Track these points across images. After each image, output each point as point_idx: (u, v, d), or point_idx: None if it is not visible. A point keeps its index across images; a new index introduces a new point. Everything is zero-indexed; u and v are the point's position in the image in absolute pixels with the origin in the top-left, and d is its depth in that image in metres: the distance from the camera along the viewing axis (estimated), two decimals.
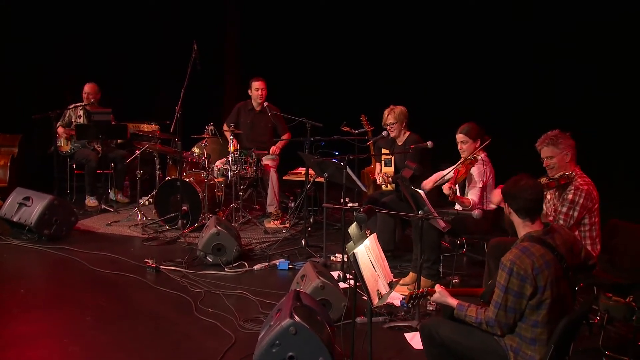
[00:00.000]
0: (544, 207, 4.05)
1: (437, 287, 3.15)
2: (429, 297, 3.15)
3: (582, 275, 3.05)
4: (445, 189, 4.62)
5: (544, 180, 3.95)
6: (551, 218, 4.00)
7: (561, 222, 3.91)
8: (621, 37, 6.70)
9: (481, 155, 4.78)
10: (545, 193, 4.00)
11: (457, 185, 4.62)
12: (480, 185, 4.75)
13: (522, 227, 2.98)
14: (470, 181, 4.80)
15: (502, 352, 2.90)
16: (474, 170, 4.76)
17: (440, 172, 5.07)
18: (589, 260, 3.18)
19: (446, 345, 3.01)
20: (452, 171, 4.72)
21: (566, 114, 6.74)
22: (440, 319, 3.23)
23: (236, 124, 6.92)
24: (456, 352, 3.01)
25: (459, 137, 4.84)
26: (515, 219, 2.99)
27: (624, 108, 6.72)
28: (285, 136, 7.00)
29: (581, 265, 3.03)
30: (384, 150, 5.69)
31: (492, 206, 4.75)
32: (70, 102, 7.43)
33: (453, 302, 3.05)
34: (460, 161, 4.79)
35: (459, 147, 4.87)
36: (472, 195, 4.76)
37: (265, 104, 6.81)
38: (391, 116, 5.58)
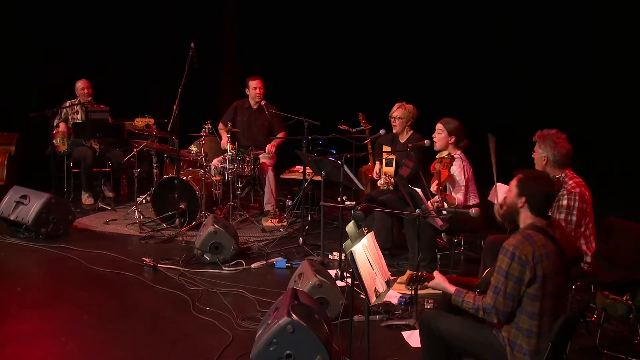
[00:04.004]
0: None
1: (436, 273, 3.16)
2: (426, 282, 3.15)
3: (573, 269, 3.03)
4: (434, 188, 4.68)
5: None
6: None
7: None
8: (620, 32, 6.71)
9: (457, 153, 4.94)
10: None
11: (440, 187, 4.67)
12: (463, 184, 4.85)
13: (529, 220, 2.97)
14: (454, 183, 4.87)
15: (500, 347, 2.90)
16: (455, 170, 4.87)
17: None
18: (577, 253, 3.18)
19: (445, 339, 3.01)
20: (435, 173, 4.78)
21: (565, 112, 6.75)
22: (440, 312, 3.23)
23: (233, 122, 6.92)
24: (454, 346, 3.01)
25: (438, 125, 5.02)
26: (524, 212, 2.96)
27: (620, 106, 6.73)
28: (280, 135, 6.99)
29: (574, 262, 3.04)
30: (385, 148, 5.69)
31: (476, 200, 4.88)
32: (66, 100, 7.42)
33: (451, 288, 3.05)
34: (437, 159, 4.93)
35: (433, 134, 5.04)
36: (459, 195, 4.85)
37: (263, 102, 6.81)
38: (400, 111, 5.59)
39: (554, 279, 2.82)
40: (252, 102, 6.94)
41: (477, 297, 2.93)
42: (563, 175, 3.97)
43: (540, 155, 4.01)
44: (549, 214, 3.01)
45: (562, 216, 3.88)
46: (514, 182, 3.02)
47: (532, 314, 2.82)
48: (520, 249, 2.79)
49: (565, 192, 3.91)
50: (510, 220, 3.05)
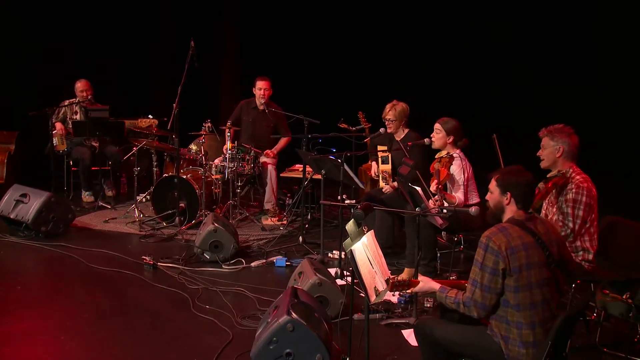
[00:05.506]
0: (543, 210, 4.04)
1: (421, 277, 3.16)
2: (412, 288, 3.10)
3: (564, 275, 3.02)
4: (433, 187, 4.68)
5: (541, 185, 3.92)
6: (553, 219, 3.95)
7: (570, 224, 3.84)
8: (620, 32, 6.71)
9: (456, 152, 4.93)
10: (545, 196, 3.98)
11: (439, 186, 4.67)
12: (463, 183, 4.85)
13: (510, 215, 2.98)
14: (453, 182, 4.88)
15: (496, 347, 2.89)
16: (454, 169, 4.87)
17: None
18: (571, 265, 3.14)
19: (441, 344, 3.00)
20: (434, 173, 4.78)
21: (565, 112, 6.74)
22: (435, 319, 3.23)
23: (238, 121, 6.91)
24: (451, 350, 3.00)
25: (436, 125, 5.02)
26: (510, 208, 2.98)
27: (620, 106, 6.73)
28: (284, 138, 6.97)
29: (564, 264, 3.00)
30: (380, 148, 5.69)
31: (477, 199, 4.86)
32: (65, 99, 7.42)
33: (436, 286, 3.07)
34: (436, 159, 4.93)
35: (432, 134, 5.04)
36: (458, 194, 4.85)
37: (263, 100, 6.80)
38: (392, 112, 5.59)
39: (538, 272, 2.81)
40: (257, 102, 6.93)
41: (458, 292, 2.95)
42: (570, 170, 3.95)
43: (554, 147, 3.95)
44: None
45: (569, 210, 3.86)
46: (493, 183, 3.04)
47: (517, 306, 2.81)
48: (493, 240, 2.81)
49: (573, 186, 3.88)
50: (497, 221, 3.05)
